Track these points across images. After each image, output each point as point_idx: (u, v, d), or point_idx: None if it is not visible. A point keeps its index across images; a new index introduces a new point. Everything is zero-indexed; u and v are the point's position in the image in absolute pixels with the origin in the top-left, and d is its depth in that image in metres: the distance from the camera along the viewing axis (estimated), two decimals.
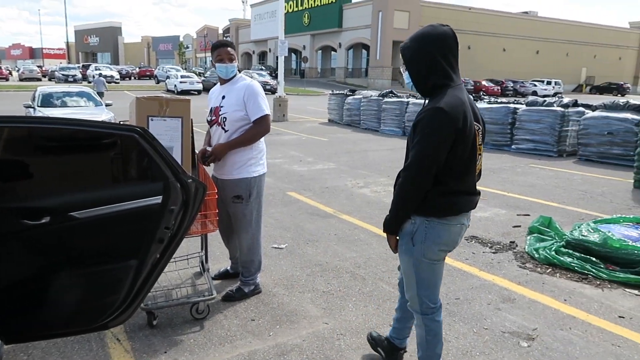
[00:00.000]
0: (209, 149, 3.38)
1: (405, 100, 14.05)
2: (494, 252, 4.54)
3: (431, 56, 2.11)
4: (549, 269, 4.12)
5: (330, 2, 46.82)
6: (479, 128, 2.19)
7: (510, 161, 9.78)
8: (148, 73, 50.48)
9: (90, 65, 47.92)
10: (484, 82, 38.38)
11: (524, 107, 11.28)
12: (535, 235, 4.77)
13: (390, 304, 3.45)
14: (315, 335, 3.01)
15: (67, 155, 2.35)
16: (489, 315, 3.32)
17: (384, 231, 2.31)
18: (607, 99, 11.48)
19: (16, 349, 2.78)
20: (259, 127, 3.32)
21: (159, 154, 2.39)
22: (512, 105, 11.49)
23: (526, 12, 52.20)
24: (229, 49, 3.35)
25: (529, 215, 5.73)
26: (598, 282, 3.87)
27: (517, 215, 5.79)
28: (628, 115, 9.28)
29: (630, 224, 4.88)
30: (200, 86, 30.12)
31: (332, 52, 50.81)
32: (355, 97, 15.85)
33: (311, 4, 49.35)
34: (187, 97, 3.21)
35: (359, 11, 44.14)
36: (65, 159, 2.35)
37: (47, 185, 2.25)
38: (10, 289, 2.24)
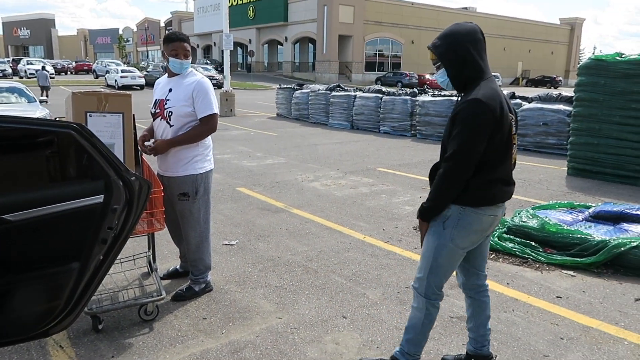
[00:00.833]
0: (150, 143, 3.26)
1: (353, 94, 14.19)
2: None
3: (465, 50, 2.16)
4: (493, 255, 4.29)
5: None
6: (512, 118, 2.24)
7: None
8: (86, 67, 48.21)
9: (21, 59, 45.16)
10: (427, 76, 39.35)
11: None
12: None
13: (343, 295, 3.49)
14: (269, 331, 3.00)
15: None
16: None
17: (418, 217, 2.34)
18: (541, 91, 12.06)
19: None
20: (205, 126, 3.24)
21: (99, 151, 2.28)
22: (453, 98, 11.85)
23: (465, 8, 53.96)
24: (185, 44, 3.24)
25: None
26: (537, 265, 4.08)
27: None
28: (561, 107, 9.80)
29: (565, 209, 5.17)
30: (142, 81, 29.12)
31: (279, 46, 50.52)
32: (303, 91, 15.85)
33: None
34: (128, 92, 3.09)
35: (304, 5, 44.07)
36: None
37: None
38: None
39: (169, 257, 4.12)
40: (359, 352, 2.79)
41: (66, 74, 45.69)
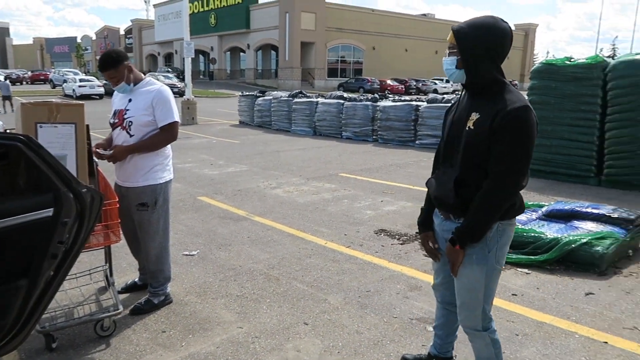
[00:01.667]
0: (107, 152, 3.19)
1: (315, 100, 14.26)
2: (401, 244, 4.75)
3: (495, 45, 1.96)
4: None
5: (236, 2, 46.29)
6: None
7: (415, 156, 10.29)
8: (42, 77, 46.62)
9: None
10: (389, 81, 40.02)
11: (425, 104, 11.92)
12: None
13: (305, 302, 3.49)
14: (230, 341, 2.97)
15: None
16: (398, 304, 3.47)
17: (460, 243, 2.05)
18: None
19: None
20: (166, 134, 3.20)
21: (47, 163, 2.22)
22: (414, 103, 12.09)
23: (425, 15, 55.18)
24: (109, 72, 3.12)
25: None
26: None
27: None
28: None
29: None
30: (102, 90, 28.37)
31: (241, 53, 50.29)
32: (266, 98, 15.82)
33: (217, 5, 48.48)
34: (80, 102, 3.02)
35: (266, 12, 44.09)
36: None
37: None
38: None
39: (128, 270, 4.02)
40: (320, 358, 2.79)
41: (22, 84, 44.13)
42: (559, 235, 4.26)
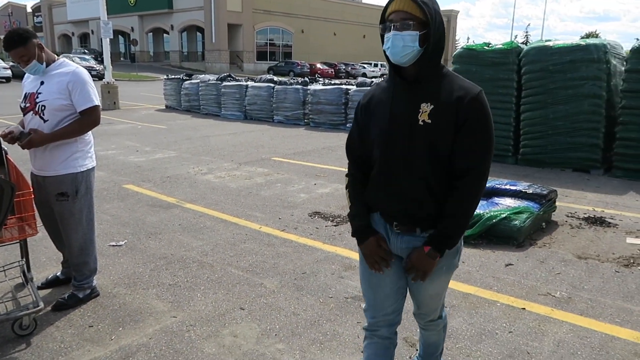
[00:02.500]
0: (21, 132, 2.92)
1: (245, 83, 14.00)
2: (335, 225, 4.82)
3: (443, 29, 1.73)
4: None
5: None
6: None
7: (345, 139, 10.42)
8: None
9: None
10: (318, 65, 40.12)
11: (354, 87, 12.10)
12: None
13: (240, 287, 3.46)
14: (163, 331, 2.88)
15: None
16: (333, 284, 3.53)
17: (439, 251, 1.78)
18: None
19: None
20: (88, 119, 3.01)
21: None
22: (344, 87, 12.22)
23: None
24: (17, 50, 2.85)
25: None
26: None
27: None
28: None
29: None
30: (8, 73, 26.18)
31: (165, 35, 48.15)
32: (193, 81, 15.31)
33: None
34: None
35: None
36: None
37: None
38: None
39: (47, 264, 3.78)
40: (258, 342, 2.79)
41: None
42: (481, 212, 4.51)
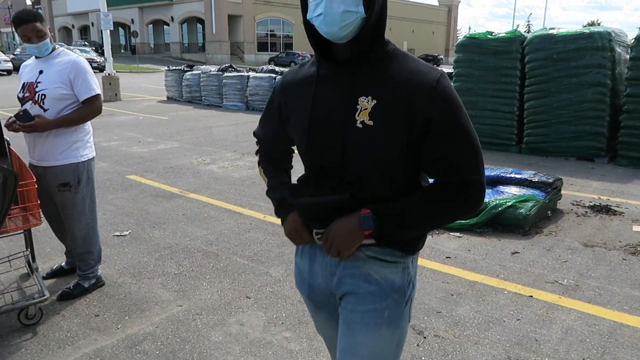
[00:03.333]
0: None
1: (246, 74, 13.93)
2: None
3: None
4: None
5: None
6: None
7: None
8: None
9: None
10: None
11: None
12: None
13: (246, 276, 3.44)
14: (169, 320, 2.87)
15: None
16: None
17: (377, 229, 1.26)
18: None
19: None
20: (90, 108, 2.98)
21: None
22: None
23: None
24: (34, 24, 2.84)
25: None
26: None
27: None
28: None
29: None
30: (9, 65, 26.06)
31: (165, 27, 47.92)
32: (194, 72, 15.22)
33: None
34: None
35: None
36: None
37: None
38: None
39: (52, 254, 3.77)
40: (265, 330, 2.78)
41: None
42: (487, 200, 4.48)
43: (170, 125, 10.65)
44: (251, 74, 13.96)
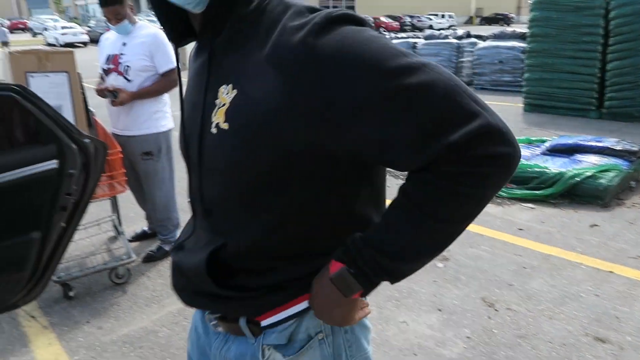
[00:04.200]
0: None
1: None
2: None
3: None
4: None
5: None
6: None
7: None
8: (21, 26, 44.99)
9: None
10: (382, 19, 38.78)
11: (423, 41, 11.61)
12: None
13: None
14: None
15: None
16: None
17: (358, 272, 0.81)
18: (495, 29, 12.09)
19: None
20: (168, 79, 3.09)
21: (46, 113, 2.13)
22: (411, 40, 11.79)
23: None
24: (115, 7, 2.94)
25: None
26: (499, 200, 4.22)
27: None
28: (515, 44, 9.88)
29: (523, 144, 5.32)
30: (86, 37, 27.49)
31: None
32: None
33: None
34: (69, 49, 2.89)
35: None
36: None
37: None
38: None
39: (136, 219, 4.03)
40: None
41: None
42: (563, 170, 4.26)
43: None
44: None
